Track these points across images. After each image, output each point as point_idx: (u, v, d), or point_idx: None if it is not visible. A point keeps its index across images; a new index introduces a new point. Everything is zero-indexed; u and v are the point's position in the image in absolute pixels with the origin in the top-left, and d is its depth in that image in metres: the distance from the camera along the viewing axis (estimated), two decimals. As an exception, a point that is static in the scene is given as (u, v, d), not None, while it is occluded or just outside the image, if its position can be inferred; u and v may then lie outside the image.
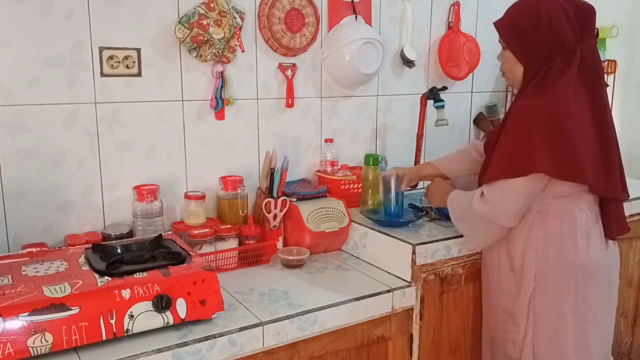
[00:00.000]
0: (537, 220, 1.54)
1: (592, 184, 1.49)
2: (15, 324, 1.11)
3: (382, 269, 1.74)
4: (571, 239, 1.52)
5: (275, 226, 1.83)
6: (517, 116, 1.49)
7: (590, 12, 1.51)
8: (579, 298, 1.54)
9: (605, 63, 2.63)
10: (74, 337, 1.16)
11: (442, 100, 2.11)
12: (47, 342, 1.14)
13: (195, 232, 1.68)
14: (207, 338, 1.27)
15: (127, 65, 1.69)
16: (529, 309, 1.57)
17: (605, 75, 2.40)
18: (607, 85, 1.56)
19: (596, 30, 1.54)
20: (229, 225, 1.77)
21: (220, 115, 1.87)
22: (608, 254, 1.59)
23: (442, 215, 1.88)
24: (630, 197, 1.65)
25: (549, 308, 1.55)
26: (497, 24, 1.60)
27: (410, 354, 1.69)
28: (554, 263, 1.53)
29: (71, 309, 1.16)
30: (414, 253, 1.64)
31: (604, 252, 1.57)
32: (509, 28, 1.56)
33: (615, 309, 1.66)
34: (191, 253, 1.44)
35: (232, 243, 1.73)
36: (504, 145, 1.49)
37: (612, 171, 1.52)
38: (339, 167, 2.09)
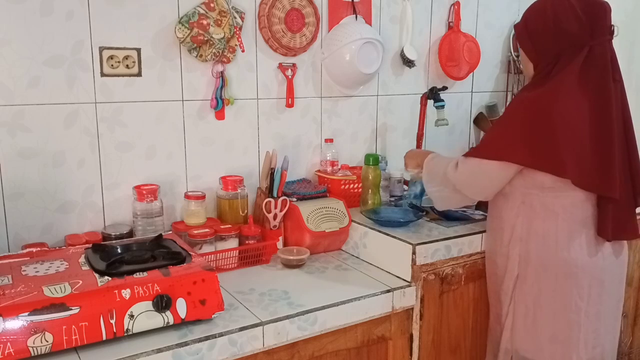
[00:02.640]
0: (523, 211, 1.57)
1: (571, 176, 1.47)
2: (15, 323, 1.11)
3: (382, 269, 1.74)
4: (553, 235, 1.53)
5: (275, 226, 1.83)
6: (508, 107, 1.62)
7: (601, 9, 1.49)
8: (558, 295, 1.54)
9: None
10: (74, 337, 1.16)
11: (442, 100, 2.11)
12: (47, 342, 1.14)
13: (196, 232, 1.68)
14: (207, 338, 1.28)
15: (127, 65, 1.69)
16: (512, 295, 1.62)
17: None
18: (618, 81, 1.51)
19: (612, 27, 1.52)
20: (229, 225, 1.77)
21: (220, 115, 1.87)
22: (599, 257, 1.53)
23: (442, 215, 1.88)
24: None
25: (528, 298, 1.58)
26: (515, 25, 1.65)
27: (410, 354, 1.69)
28: (534, 255, 1.56)
29: (71, 309, 1.16)
30: (414, 253, 1.64)
31: (592, 254, 1.52)
32: (522, 27, 1.60)
33: (611, 315, 1.60)
34: (191, 253, 1.44)
35: (232, 243, 1.73)
36: (490, 131, 1.65)
37: (608, 168, 1.47)
38: (339, 167, 2.09)
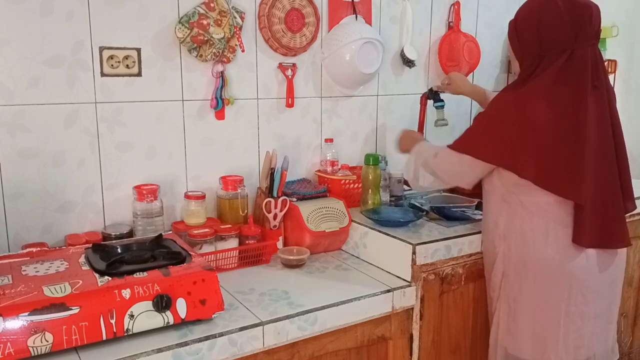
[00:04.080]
0: (505, 209, 1.60)
1: (531, 177, 1.47)
2: (15, 323, 1.11)
3: (382, 269, 1.74)
4: (530, 233, 1.54)
5: (275, 226, 1.83)
6: (487, 107, 1.65)
7: (587, 12, 1.47)
8: (537, 293, 1.54)
9: (605, 63, 2.63)
10: (74, 337, 1.16)
11: (442, 100, 2.12)
12: (47, 342, 1.14)
13: (196, 231, 1.68)
14: (207, 338, 1.28)
15: (127, 65, 1.69)
16: (499, 292, 1.64)
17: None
18: (598, 88, 1.49)
19: (599, 32, 1.51)
20: (229, 225, 1.77)
21: (220, 115, 1.87)
22: (582, 257, 1.51)
23: (442, 215, 1.89)
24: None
25: (510, 295, 1.60)
26: (509, 22, 1.65)
27: (410, 354, 1.69)
28: (515, 253, 1.58)
29: (71, 309, 1.16)
30: (414, 253, 1.64)
31: (572, 254, 1.50)
32: (513, 25, 1.61)
33: (600, 316, 1.57)
34: (191, 253, 1.44)
35: (232, 243, 1.73)
36: (469, 127, 1.72)
37: (575, 173, 1.45)
38: (339, 166, 2.09)
